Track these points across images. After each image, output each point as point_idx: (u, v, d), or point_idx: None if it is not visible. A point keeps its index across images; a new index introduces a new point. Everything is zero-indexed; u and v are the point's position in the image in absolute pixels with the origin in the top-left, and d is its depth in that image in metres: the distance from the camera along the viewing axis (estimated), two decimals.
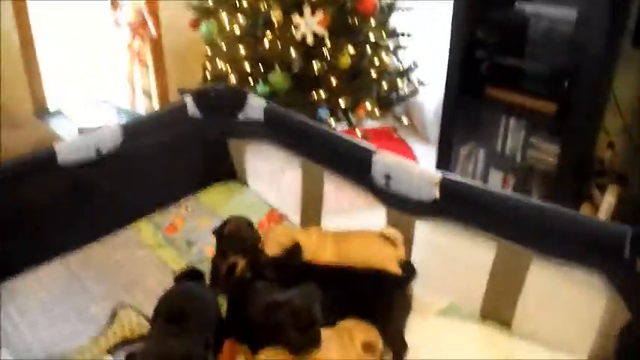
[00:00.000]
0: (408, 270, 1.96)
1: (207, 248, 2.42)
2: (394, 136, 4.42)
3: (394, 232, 2.15)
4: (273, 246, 2.15)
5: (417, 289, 2.02)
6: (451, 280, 2.05)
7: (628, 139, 3.38)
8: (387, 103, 3.97)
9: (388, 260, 2.06)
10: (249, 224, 2.23)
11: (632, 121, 3.35)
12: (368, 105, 3.74)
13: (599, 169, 3.48)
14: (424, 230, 2.22)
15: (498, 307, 2.06)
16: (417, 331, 1.96)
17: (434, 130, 4.22)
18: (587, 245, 1.83)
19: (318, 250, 2.14)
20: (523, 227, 1.93)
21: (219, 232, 2.19)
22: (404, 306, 1.95)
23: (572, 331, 1.96)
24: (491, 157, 3.78)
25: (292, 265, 2.07)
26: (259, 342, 1.76)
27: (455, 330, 2.03)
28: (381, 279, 1.94)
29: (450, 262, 2.18)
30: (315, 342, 1.69)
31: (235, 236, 2.15)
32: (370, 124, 4.18)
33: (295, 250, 2.12)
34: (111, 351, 1.94)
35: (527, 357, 1.91)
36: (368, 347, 1.79)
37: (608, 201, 3.27)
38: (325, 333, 1.70)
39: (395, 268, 2.04)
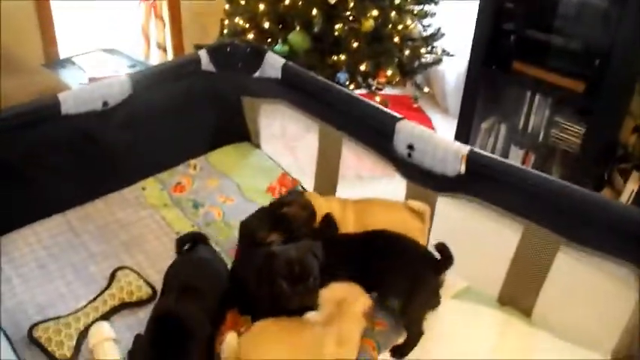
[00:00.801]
0: (446, 255, 1.79)
1: (214, 211, 2.32)
2: (413, 105, 4.27)
3: (421, 205, 2.03)
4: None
5: None
6: (470, 263, 1.93)
7: None
8: (408, 71, 3.81)
9: (416, 236, 1.95)
10: (307, 206, 2.02)
11: None
12: (388, 71, 3.58)
13: (623, 154, 3.35)
14: (445, 207, 2.09)
15: (518, 294, 1.95)
16: (431, 312, 1.85)
17: (454, 101, 4.09)
18: (622, 236, 1.71)
19: (341, 221, 2.02)
20: (554, 211, 1.80)
21: (274, 208, 2.03)
22: (434, 292, 1.84)
23: (597, 327, 1.84)
24: (513, 133, 3.65)
25: (328, 236, 1.94)
26: (260, 312, 1.69)
27: (471, 314, 1.92)
28: (419, 258, 1.83)
29: (470, 243, 2.05)
30: (307, 298, 1.62)
31: (291, 220, 1.97)
32: (388, 91, 4.04)
33: (330, 221, 2.00)
34: (107, 316, 1.85)
35: (545, 349, 1.80)
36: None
37: (630, 188, 3.13)
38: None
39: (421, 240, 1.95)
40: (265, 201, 2.21)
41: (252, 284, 1.75)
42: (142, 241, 2.16)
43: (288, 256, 1.65)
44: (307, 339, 1.60)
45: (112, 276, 1.96)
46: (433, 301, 1.84)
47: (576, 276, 1.86)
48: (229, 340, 1.52)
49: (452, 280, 1.98)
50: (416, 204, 2.03)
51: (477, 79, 3.55)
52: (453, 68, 4.13)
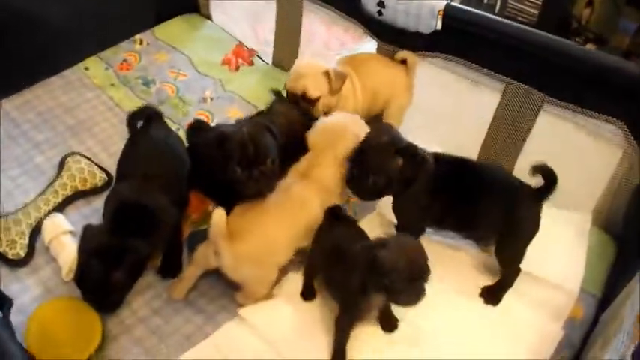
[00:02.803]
0: (549, 178, 1.46)
1: (167, 87, 2.13)
2: None
3: (411, 55, 1.90)
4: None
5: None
6: (446, 128, 1.83)
7: None
8: None
9: (404, 92, 1.88)
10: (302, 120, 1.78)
11: None
12: None
13: (576, 27, 3.22)
14: (420, 72, 1.94)
15: (498, 156, 1.86)
16: None
17: None
18: (605, 89, 1.61)
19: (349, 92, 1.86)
20: (536, 65, 1.68)
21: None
22: (534, 224, 1.51)
23: (579, 187, 1.78)
24: (468, 3, 3.45)
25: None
26: (221, 195, 1.55)
27: None
28: (514, 188, 1.52)
29: (446, 106, 1.93)
30: (265, 183, 1.48)
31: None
32: None
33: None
34: (60, 208, 1.70)
35: None
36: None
37: None
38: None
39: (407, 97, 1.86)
40: (221, 74, 2.02)
41: (207, 169, 1.60)
42: (90, 125, 1.98)
43: (241, 137, 1.46)
44: (291, 203, 1.52)
45: (62, 164, 1.79)
46: (534, 231, 1.51)
47: (559, 137, 1.77)
48: (217, 216, 1.38)
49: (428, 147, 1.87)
50: (406, 54, 1.91)
51: None
52: None
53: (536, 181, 1.47)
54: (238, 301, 1.51)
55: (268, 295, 1.53)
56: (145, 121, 1.68)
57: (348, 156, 1.54)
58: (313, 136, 1.63)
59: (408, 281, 1.23)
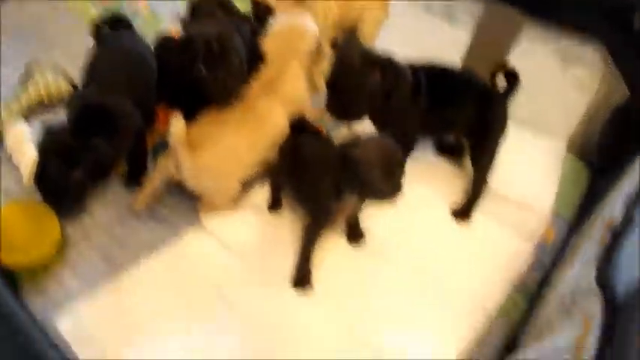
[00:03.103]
0: (512, 80, 1.47)
1: (139, 3, 2.06)
2: None
3: None
4: None
5: None
6: (423, 47, 1.78)
7: None
8: None
9: (380, 13, 1.78)
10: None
11: None
12: None
13: None
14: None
15: None
16: None
17: None
18: (587, 10, 1.57)
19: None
20: None
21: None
22: (503, 122, 1.51)
23: (555, 114, 1.76)
24: None
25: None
26: (188, 105, 1.49)
27: None
28: (484, 88, 1.51)
29: (420, 34, 1.88)
30: (231, 83, 1.43)
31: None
32: None
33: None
34: (26, 115, 1.66)
35: None
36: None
37: None
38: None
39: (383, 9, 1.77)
40: None
41: (174, 77, 1.54)
42: (58, 39, 1.92)
43: (207, 36, 1.41)
44: (254, 115, 1.47)
45: (27, 75, 1.73)
46: (502, 132, 1.51)
47: (537, 62, 1.74)
48: (175, 124, 1.34)
49: None
50: None
51: None
52: None
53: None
54: (201, 209, 1.48)
55: (232, 207, 1.50)
56: (112, 28, 1.62)
57: (326, 81, 1.45)
58: (270, 43, 1.55)
59: (384, 175, 1.20)
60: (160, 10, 2.04)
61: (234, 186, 1.46)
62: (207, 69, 1.39)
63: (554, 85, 1.77)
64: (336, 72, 1.44)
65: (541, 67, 1.75)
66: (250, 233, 1.46)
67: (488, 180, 1.54)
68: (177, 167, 1.39)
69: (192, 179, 1.41)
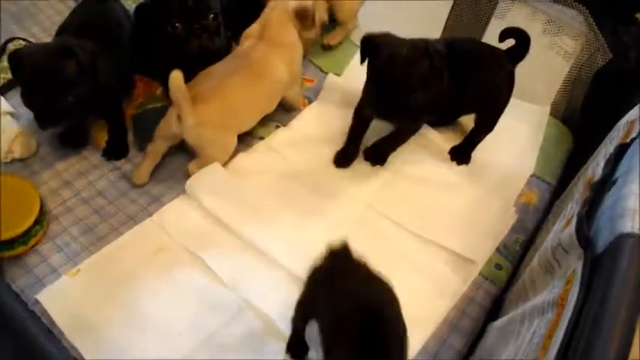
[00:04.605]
0: (522, 38, 1.47)
1: None
2: None
3: None
4: None
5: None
6: (405, 16, 1.77)
7: None
8: None
9: None
10: None
11: None
12: None
13: None
14: None
15: None
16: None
17: None
18: None
19: None
20: None
21: None
22: (511, 85, 1.52)
23: (538, 79, 1.78)
24: None
25: None
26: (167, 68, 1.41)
27: None
28: (493, 52, 1.51)
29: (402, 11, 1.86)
30: (207, 39, 1.43)
31: None
32: None
33: None
34: (2, 91, 1.63)
35: None
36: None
37: None
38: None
39: None
40: None
41: (151, 35, 1.53)
42: (35, 12, 1.89)
43: None
44: (251, 67, 1.48)
45: (3, 49, 1.71)
46: (510, 93, 1.54)
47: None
48: (173, 78, 1.31)
49: None
50: None
51: None
52: None
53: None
54: (192, 170, 1.46)
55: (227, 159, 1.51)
56: None
57: (368, 81, 1.38)
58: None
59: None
60: None
61: (233, 140, 1.48)
62: (181, 24, 1.39)
63: (538, 51, 1.76)
64: (387, 67, 1.32)
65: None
66: (234, 200, 1.44)
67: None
68: (179, 123, 1.38)
69: (193, 132, 1.41)
